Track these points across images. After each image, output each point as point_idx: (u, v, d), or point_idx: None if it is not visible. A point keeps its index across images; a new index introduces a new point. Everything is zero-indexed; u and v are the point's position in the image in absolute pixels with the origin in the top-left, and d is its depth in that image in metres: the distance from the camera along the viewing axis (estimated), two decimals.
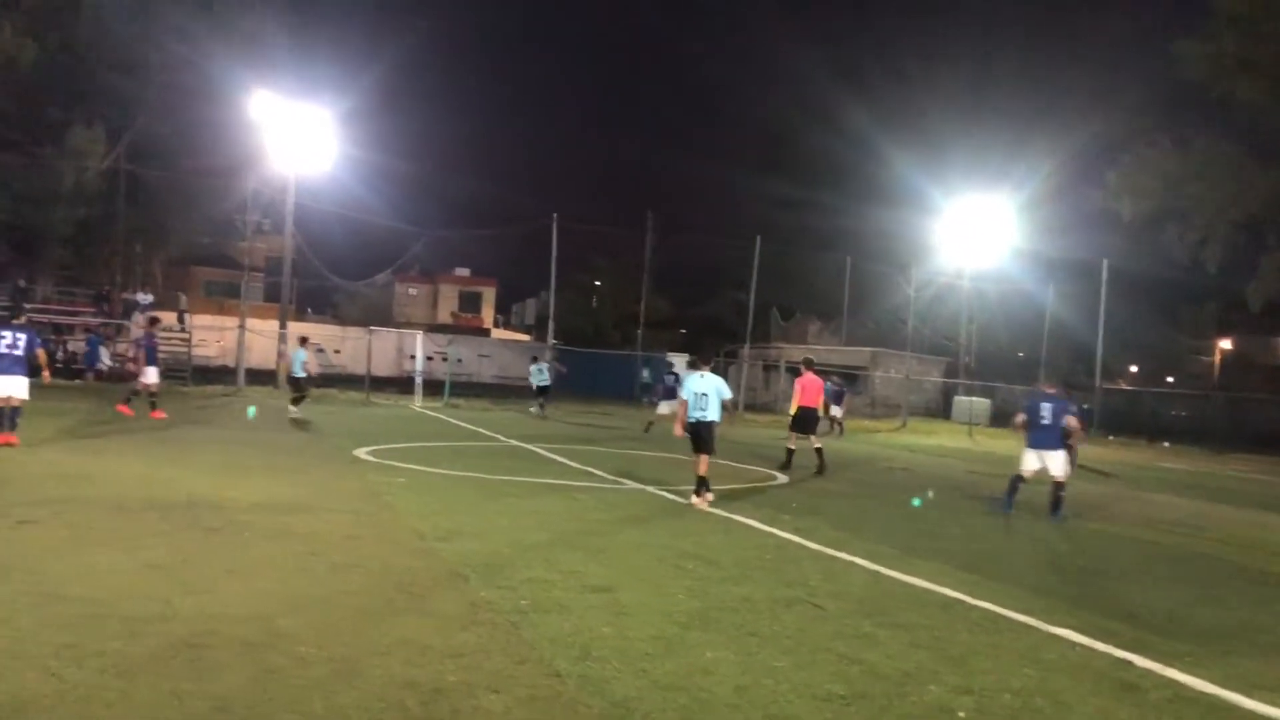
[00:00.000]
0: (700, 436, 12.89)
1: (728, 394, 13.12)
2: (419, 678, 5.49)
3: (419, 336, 37.87)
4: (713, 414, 12.86)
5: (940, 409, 47.21)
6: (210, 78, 35.05)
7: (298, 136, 31.67)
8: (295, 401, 23.00)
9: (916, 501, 15.11)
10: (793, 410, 18.45)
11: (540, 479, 14.46)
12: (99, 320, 34.80)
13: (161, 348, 34.48)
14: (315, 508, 10.75)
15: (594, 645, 6.30)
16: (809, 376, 18.22)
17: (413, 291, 73.44)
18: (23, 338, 14.38)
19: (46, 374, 15.34)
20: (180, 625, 6.14)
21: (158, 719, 4.72)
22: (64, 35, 36.68)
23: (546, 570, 8.33)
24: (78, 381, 29.79)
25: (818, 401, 18.35)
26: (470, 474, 14.48)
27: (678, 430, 13.16)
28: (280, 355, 32.18)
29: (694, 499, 12.74)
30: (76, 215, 38.40)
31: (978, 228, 41.08)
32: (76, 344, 33.28)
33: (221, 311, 47.47)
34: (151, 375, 20.78)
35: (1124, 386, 55.67)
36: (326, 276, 45.59)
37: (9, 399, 14.14)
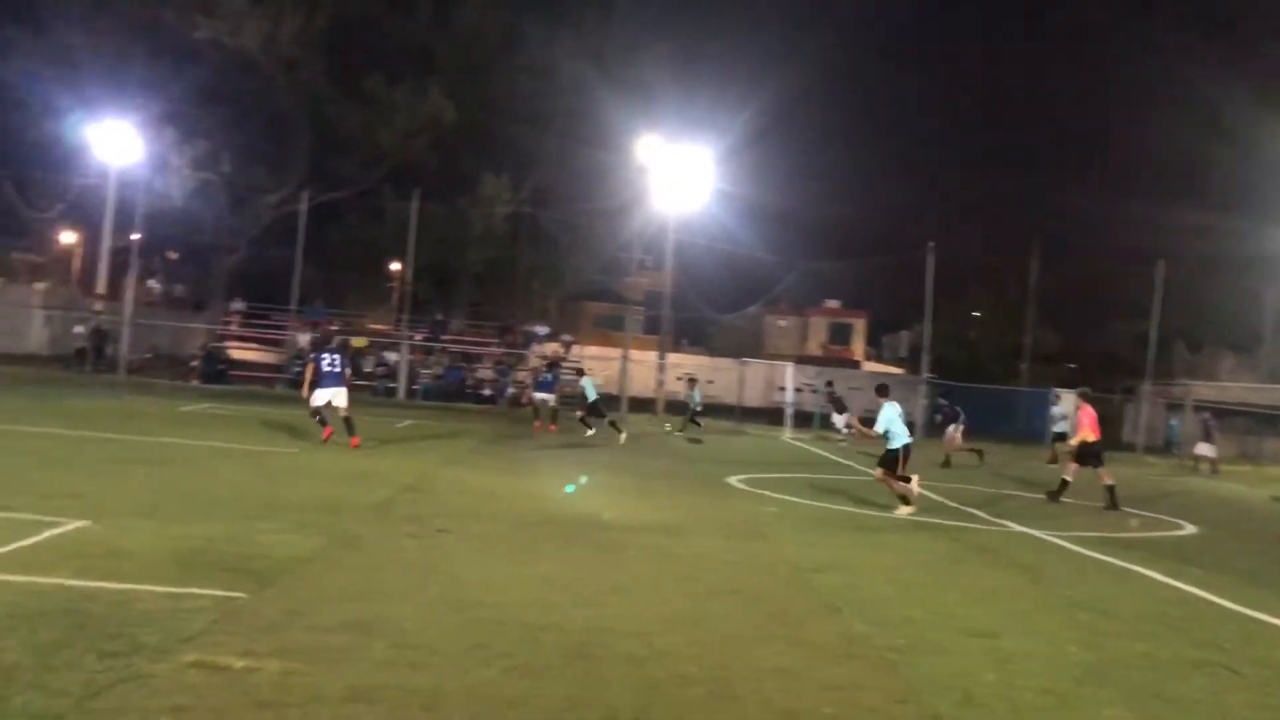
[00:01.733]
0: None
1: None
2: (795, 707, 5.48)
3: (789, 368, 38.22)
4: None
5: None
6: (601, 126, 37.61)
7: (678, 176, 33.18)
8: (584, 422, 24.06)
9: None
10: (1076, 442, 17.65)
11: (914, 516, 14.04)
12: (502, 350, 38.17)
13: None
14: (691, 532, 11.10)
15: (977, 691, 5.99)
16: (1088, 409, 17.60)
17: (782, 323, 74.31)
18: (340, 359, 16.82)
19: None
20: (572, 635, 6.53)
21: None
22: (479, 94, 40.87)
23: (924, 610, 8.05)
24: (485, 406, 32.70)
25: (1098, 433, 17.46)
26: (841, 507, 14.35)
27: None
28: (659, 385, 33.70)
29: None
30: (485, 256, 42.53)
31: None
32: (484, 371, 36.66)
33: (608, 343, 50.48)
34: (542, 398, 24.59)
35: None
36: (701, 309, 47.26)
37: (331, 405, 16.48)
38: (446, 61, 41.80)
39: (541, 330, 41.61)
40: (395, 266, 48.96)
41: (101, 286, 38.79)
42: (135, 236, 38.62)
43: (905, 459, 13.79)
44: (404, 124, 39.34)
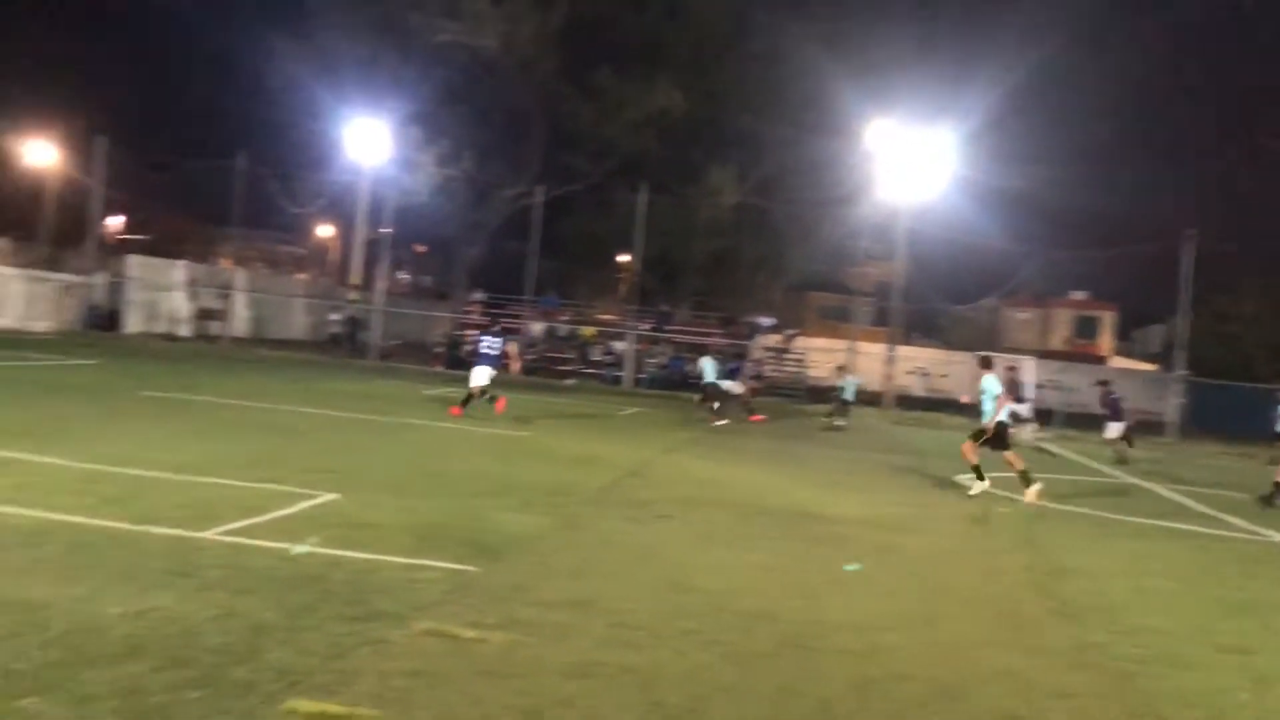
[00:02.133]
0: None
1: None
2: (1023, 713, 5.24)
3: (1029, 363, 36.47)
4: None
5: None
6: (831, 112, 37.04)
7: (911, 162, 32.25)
8: (704, 404, 23.55)
9: None
10: None
11: (1160, 521, 13.12)
12: (726, 341, 38.30)
13: (774, 367, 36.76)
14: (916, 528, 10.79)
15: (1229, 711, 5.55)
16: None
17: (1022, 316, 71.06)
18: (498, 341, 18.31)
19: (516, 366, 19.32)
20: (786, 626, 6.48)
21: (767, 708, 5.02)
22: (707, 85, 41.07)
23: (1168, 620, 7.52)
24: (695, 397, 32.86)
25: None
26: (1081, 509, 13.58)
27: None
28: (888, 378, 32.93)
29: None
30: (710, 247, 42.73)
31: None
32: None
33: (834, 335, 49.74)
34: (736, 387, 24.22)
35: None
36: (933, 300, 45.79)
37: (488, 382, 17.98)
38: (676, 53, 42.20)
39: (766, 321, 41.42)
40: (623, 258, 49.99)
41: (355, 277, 41.58)
42: (386, 230, 41.16)
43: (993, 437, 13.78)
44: (633, 117, 40.00)
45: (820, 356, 42.11)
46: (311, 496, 9.00)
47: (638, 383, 34.17)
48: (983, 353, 16.92)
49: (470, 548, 7.69)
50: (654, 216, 38.39)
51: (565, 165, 42.02)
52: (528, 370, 34.21)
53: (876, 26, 38.63)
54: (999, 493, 14.34)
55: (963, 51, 37.26)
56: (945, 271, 47.99)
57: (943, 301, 51.14)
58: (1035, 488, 13.37)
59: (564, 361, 35.61)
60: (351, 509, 8.70)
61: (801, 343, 41.68)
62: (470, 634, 5.61)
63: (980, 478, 13.71)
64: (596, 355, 35.94)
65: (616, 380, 34.26)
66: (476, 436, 15.52)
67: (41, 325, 30.89)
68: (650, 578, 7.44)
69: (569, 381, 26.55)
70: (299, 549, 6.87)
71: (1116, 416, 23.00)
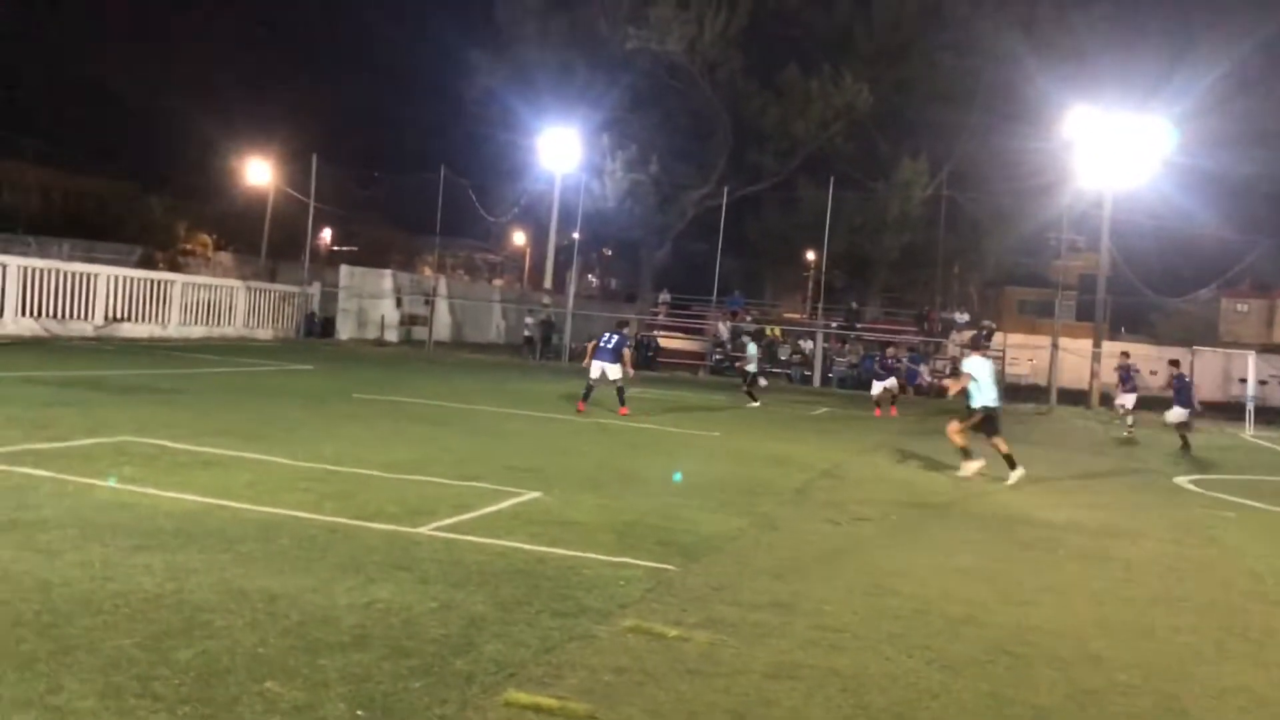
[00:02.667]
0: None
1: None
2: None
3: (1251, 357, 34.02)
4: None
5: None
6: (1027, 99, 35.59)
7: (1115, 148, 30.61)
8: (750, 394, 23.58)
9: None
10: None
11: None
12: (919, 339, 37.35)
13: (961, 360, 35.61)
14: (1131, 533, 10.25)
15: None
16: None
17: (1242, 308, 66.38)
18: (615, 338, 18.32)
19: (629, 370, 18.83)
20: (996, 631, 6.29)
21: (978, 716, 4.88)
22: (896, 76, 40.23)
23: None
24: (901, 395, 32.19)
25: None
26: None
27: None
28: (1093, 375, 31.37)
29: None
30: (901, 241, 41.81)
31: None
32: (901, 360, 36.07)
33: (1033, 330, 47.77)
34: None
35: None
36: (1143, 293, 43.30)
37: (604, 378, 18.02)
38: (864, 47, 41.50)
39: (961, 317, 40.18)
40: (810, 255, 49.52)
41: (548, 281, 42.74)
42: (576, 235, 42.17)
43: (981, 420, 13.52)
44: (819, 113, 39.59)
45: (1019, 354, 40.55)
46: (516, 494, 9.32)
47: (827, 381, 33.75)
48: (972, 333, 17.26)
49: (669, 546, 7.80)
50: (842, 212, 37.87)
51: (751, 164, 42.00)
52: (716, 370, 34.40)
53: (1075, 5, 36.87)
54: (1218, 496, 13.46)
55: (1177, 28, 34.93)
56: (1155, 262, 45.34)
57: (1152, 294, 48.37)
58: (1008, 476, 13.01)
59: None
60: (554, 506, 8.96)
61: (1000, 339, 40.19)
62: (673, 632, 5.69)
63: (969, 458, 13.57)
64: (784, 354, 35.70)
65: (806, 379, 33.95)
66: (670, 436, 15.69)
67: (263, 333, 33.10)
68: (851, 580, 7.35)
69: (763, 382, 26.55)
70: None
71: None
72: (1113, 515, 11.36)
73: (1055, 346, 32.20)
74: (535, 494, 9.43)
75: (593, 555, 7.28)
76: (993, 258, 46.09)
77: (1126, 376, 23.31)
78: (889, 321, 41.48)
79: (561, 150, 37.33)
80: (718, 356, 35.44)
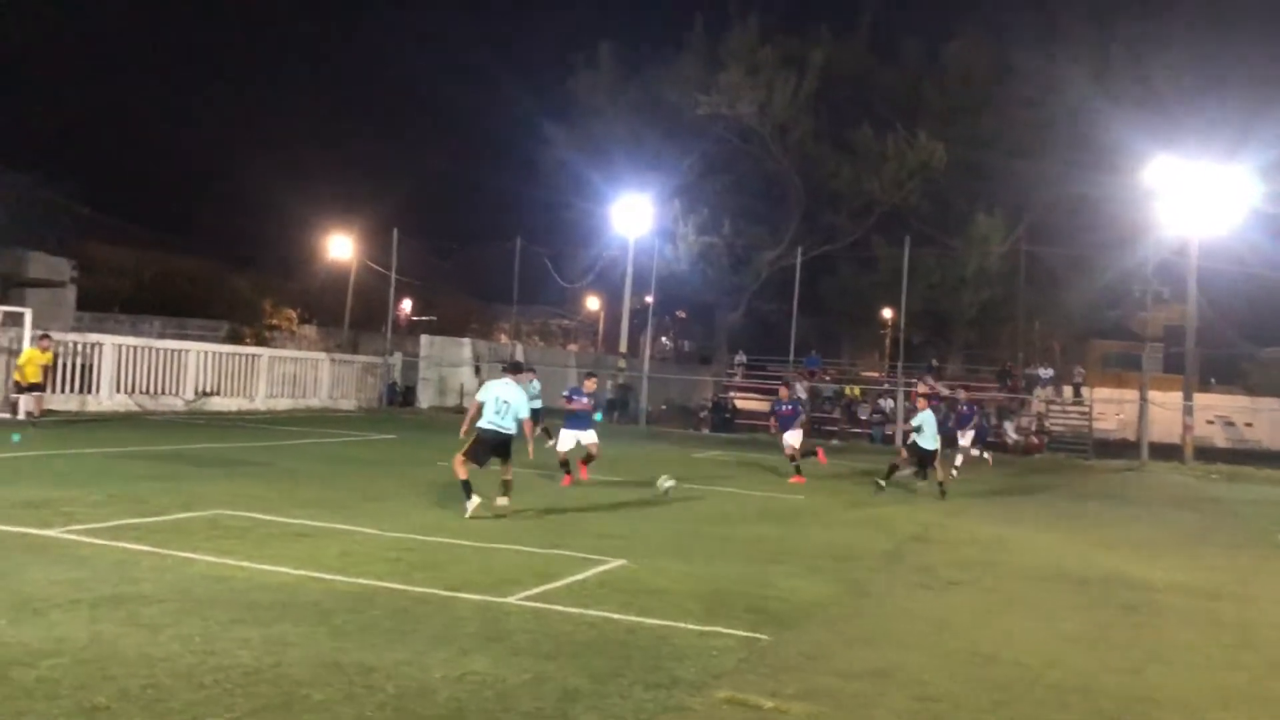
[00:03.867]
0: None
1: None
2: None
3: None
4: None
5: None
6: (1104, 150, 35.08)
7: (1199, 197, 29.95)
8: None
9: None
10: None
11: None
12: (1003, 395, 36.68)
13: (1058, 420, 34.84)
14: (1239, 596, 9.85)
15: None
16: None
17: None
18: (584, 397, 16.10)
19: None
20: (1106, 701, 6.06)
21: None
22: (970, 131, 40.00)
23: None
24: (982, 455, 31.59)
25: None
26: None
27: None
28: (1186, 429, 30.43)
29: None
30: (980, 297, 41.23)
31: None
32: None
33: (1120, 384, 46.63)
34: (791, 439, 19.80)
35: None
36: (1235, 343, 42.06)
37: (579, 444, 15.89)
38: (936, 104, 41.44)
39: (1045, 373, 39.39)
40: (887, 313, 49.10)
41: (623, 345, 42.96)
42: (649, 299, 42.40)
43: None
44: (893, 172, 39.47)
45: (1106, 408, 39.59)
46: (601, 562, 9.28)
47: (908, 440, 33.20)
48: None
49: (760, 614, 7.67)
50: (918, 269, 37.55)
51: (825, 224, 41.98)
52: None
53: (1151, 54, 36.42)
54: None
55: (1259, 76, 34.20)
56: (1245, 312, 44.10)
57: (1245, 344, 46.97)
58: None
59: (830, 421, 35.20)
60: (640, 575, 8.90)
61: (1086, 393, 39.30)
62: (770, 703, 5.58)
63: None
64: (864, 414, 35.29)
65: (887, 439, 33.47)
66: (751, 500, 15.54)
67: (347, 404, 33.69)
68: (950, 647, 7.15)
69: (834, 441, 26.28)
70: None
71: None
72: (1218, 576, 10.92)
73: (1144, 400, 31.34)
74: (620, 561, 9.38)
75: (682, 624, 7.19)
76: (1075, 311, 45.17)
77: (967, 416, 22.34)
78: (970, 378, 40.84)
79: (634, 216, 37.74)
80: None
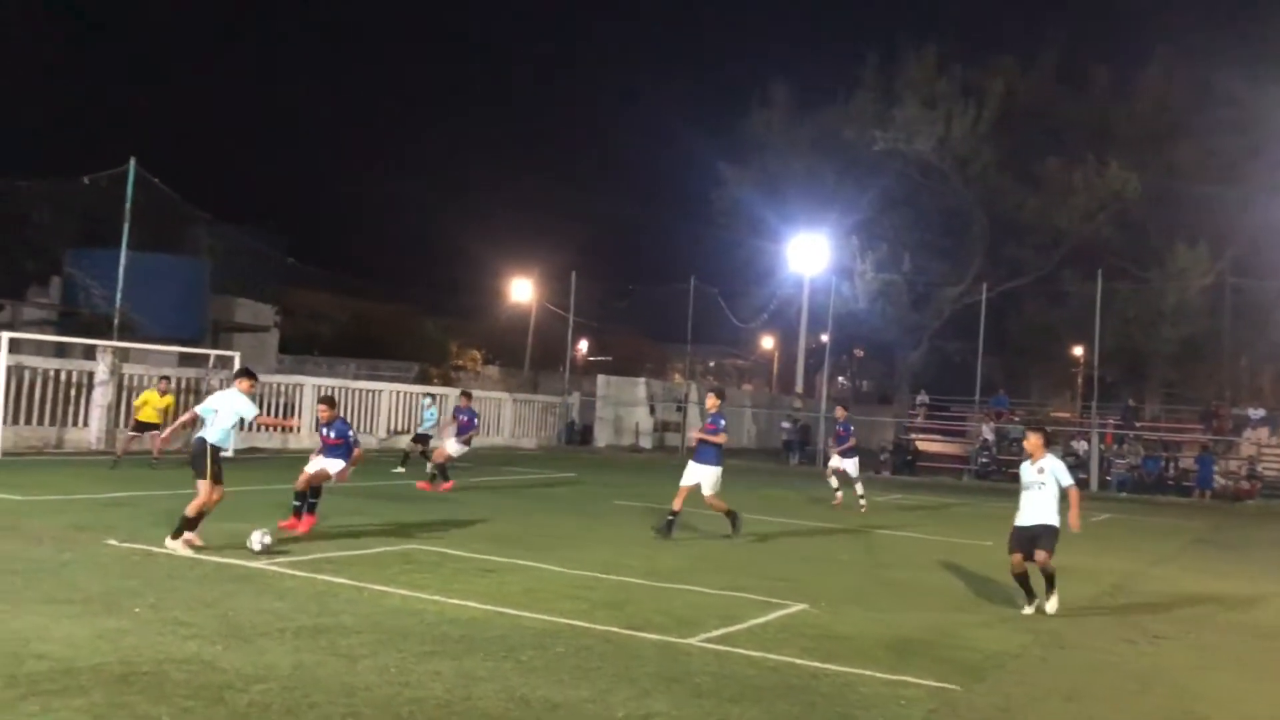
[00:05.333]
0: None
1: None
2: None
3: None
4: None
5: None
6: None
7: None
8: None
9: None
10: None
11: None
12: (1207, 437, 34.43)
13: (1269, 463, 32.45)
14: None
15: None
16: None
17: None
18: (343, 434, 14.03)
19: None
20: None
21: None
22: (1165, 159, 38.03)
23: None
24: (1189, 499, 29.73)
25: None
26: None
27: None
28: None
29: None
30: (1180, 333, 38.92)
31: None
32: (1185, 461, 33.31)
33: None
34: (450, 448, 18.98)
35: None
36: None
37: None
38: (1126, 131, 39.62)
39: (1256, 413, 36.75)
40: (1079, 351, 46.99)
41: (799, 385, 42.55)
42: (825, 338, 41.87)
43: None
44: (1083, 203, 37.88)
45: None
46: (782, 605, 9.16)
47: (1105, 485, 31.55)
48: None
49: (949, 664, 7.40)
50: (1112, 304, 35.77)
51: (1010, 258, 40.62)
52: (981, 475, 32.87)
53: None
54: None
55: None
56: None
57: None
58: None
59: (1019, 465, 33.78)
60: (822, 619, 8.73)
61: None
62: None
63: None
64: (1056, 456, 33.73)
65: (1081, 484, 31.89)
66: (936, 545, 15.05)
67: (528, 442, 34.54)
68: (1156, 705, 6.73)
69: None
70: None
71: None
72: None
73: None
74: (801, 605, 9.23)
75: (868, 672, 7.01)
76: None
77: (843, 437, 20.15)
78: (1170, 418, 38.57)
79: (810, 253, 37.48)
80: (983, 460, 33.92)
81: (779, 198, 40.49)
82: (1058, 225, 38.66)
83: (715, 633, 7.90)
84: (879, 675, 6.93)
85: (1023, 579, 9.64)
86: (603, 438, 37.34)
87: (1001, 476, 32.70)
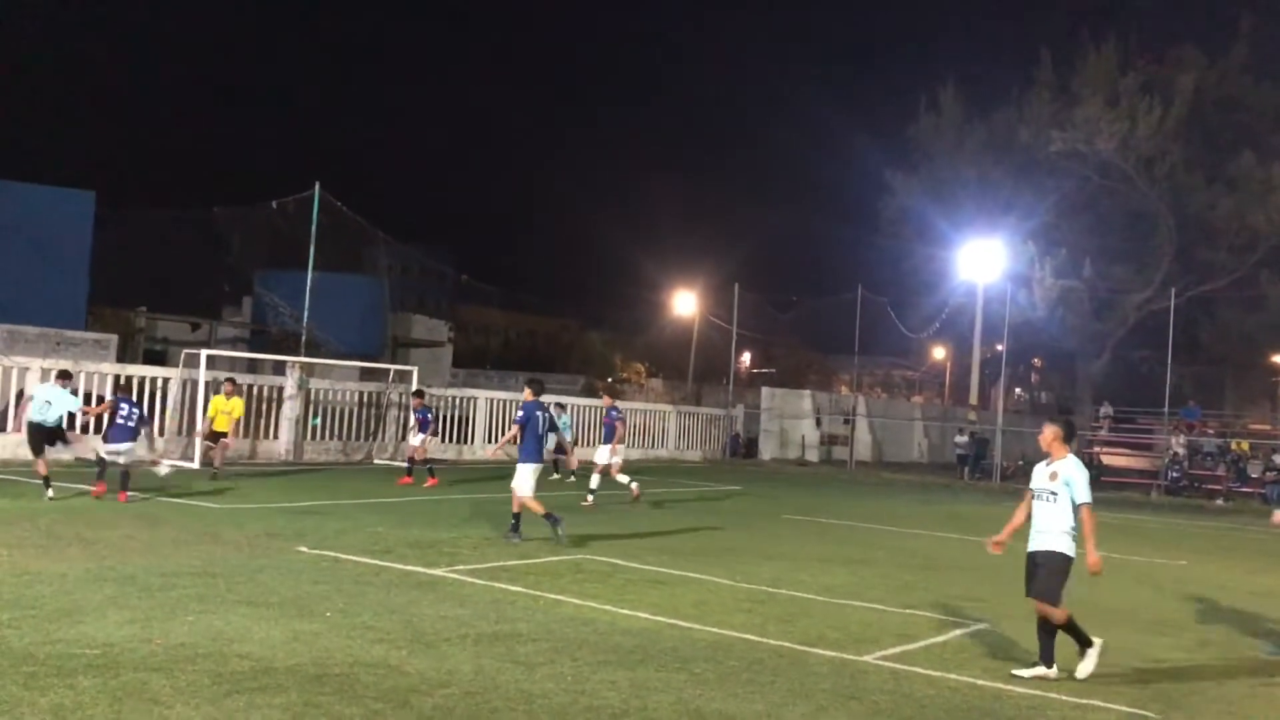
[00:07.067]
0: None
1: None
2: None
3: None
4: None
5: None
6: None
7: None
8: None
9: None
10: None
11: None
12: None
13: None
14: None
15: None
16: None
17: None
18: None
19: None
20: None
21: None
22: None
23: None
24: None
25: None
26: None
27: None
28: None
29: None
30: None
31: None
32: None
33: None
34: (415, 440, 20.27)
35: None
36: None
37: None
38: None
39: None
40: (1277, 358, 44.02)
41: (973, 397, 41.21)
42: (1000, 347, 40.44)
43: None
44: None
45: None
46: (961, 624, 8.87)
47: None
48: None
49: (1143, 689, 7.02)
50: None
51: (1201, 262, 38.40)
52: (1172, 490, 31.06)
53: None
54: None
55: None
56: None
57: None
58: None
59: (1214, 480, 31.81)
60: (1004, 640, 8.41)
61: None
62: None
63: None
64: (1254, 472, 31.60)
65: None
66: (1127, 565, 14.28)
67: (692, 455, 34.60)
68: None
69: (1219, 501, 23.60)
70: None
71: None
72: None
73: None
74: (981, 625, 8.92)
75: (1055, 695, 6.71)
76: None
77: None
78: None
79: (983, 260, 36.30)
80: (1174, 474, 32.07)
81: (949, 203, 39.42)
82: (1254, 226, 36.34)
83: (892, 650, 7.72)
84: (1066, 699, 6.63)
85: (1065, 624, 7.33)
86: (768, 450, 37.05)
87: (1195, 492, 30.89)
